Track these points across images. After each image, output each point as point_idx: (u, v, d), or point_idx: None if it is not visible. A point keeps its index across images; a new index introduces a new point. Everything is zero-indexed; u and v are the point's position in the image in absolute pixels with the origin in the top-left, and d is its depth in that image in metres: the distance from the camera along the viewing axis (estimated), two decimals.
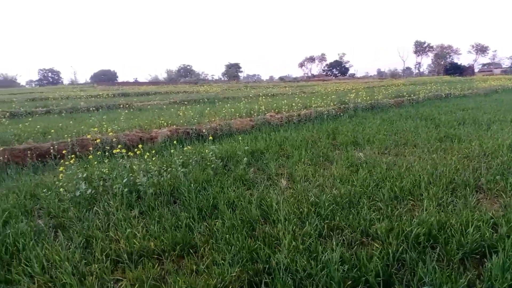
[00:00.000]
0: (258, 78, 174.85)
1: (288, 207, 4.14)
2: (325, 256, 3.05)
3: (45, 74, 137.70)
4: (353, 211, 4.09)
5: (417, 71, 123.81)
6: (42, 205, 4.74)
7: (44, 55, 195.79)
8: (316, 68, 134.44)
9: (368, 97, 16.31)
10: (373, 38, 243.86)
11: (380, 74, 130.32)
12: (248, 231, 3.69)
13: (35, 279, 2.97)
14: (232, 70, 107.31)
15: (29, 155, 7.55)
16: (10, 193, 5.30)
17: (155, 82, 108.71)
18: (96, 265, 3.09)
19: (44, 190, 5.13)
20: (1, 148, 7.44)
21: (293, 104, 13.90)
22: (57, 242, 3.58)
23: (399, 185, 4.82)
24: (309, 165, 6.30)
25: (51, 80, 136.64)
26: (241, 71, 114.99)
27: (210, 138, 7.93)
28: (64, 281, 2.90)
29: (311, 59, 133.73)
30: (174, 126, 10.03)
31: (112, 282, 2.94)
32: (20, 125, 10.08)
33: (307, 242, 3.34)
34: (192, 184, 5.02)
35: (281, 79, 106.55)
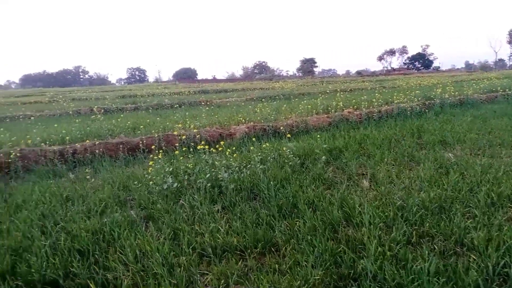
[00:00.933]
0: (334, 72, 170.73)
1: (372, 210, 3.94)
2: (416, 266, 2.84)
3: (133, 72, 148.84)
4: (444, 217, 3.78)
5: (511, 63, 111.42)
6: (134, 196, 5.10)
7: (132, 55, 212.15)
8: (396, 62, 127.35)
9: (456, 92, 15.03)
10: (461, 28, 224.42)
11: (469, 67, 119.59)
12: (330, 233, 3.59)
13: (129, 267, 3.19)
14: (307, 65, 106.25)
15: (121, 148, 8.21)
16: (105, 184, 5.78)
17: (232, 79, 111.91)
18: (184, 258, 3.23)
19: (135, 183, 5.53)
20: (98, 142, 8.17)
21: (373, 99, 13.31)
22: (148, 233, 3.82)
23: (497, 191, 4.36)
24: (393, 165, 5.97)
25: (138, 78, 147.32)
26: (316, 66, 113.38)
27: (288, 135, 7.91)
28: (155, 271, 3.07)
29: (391, 52, 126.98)
30: (252, 122, 10.17)
31: (198, 275, 3.05)
32: (113, 120, 10.94)
33: (395, 249, 3.16)
34: (271, 182, 5.03)
35: (359, 73, 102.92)
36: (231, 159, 6.04)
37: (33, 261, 3.24)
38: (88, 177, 6.11)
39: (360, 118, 11.17)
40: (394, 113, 11.66)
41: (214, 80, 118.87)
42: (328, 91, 22.55)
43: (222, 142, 7.04)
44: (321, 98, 16.59)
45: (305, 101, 14.48)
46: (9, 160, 7.22)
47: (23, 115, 14.77)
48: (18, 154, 7.32)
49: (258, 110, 12.00)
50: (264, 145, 7.00)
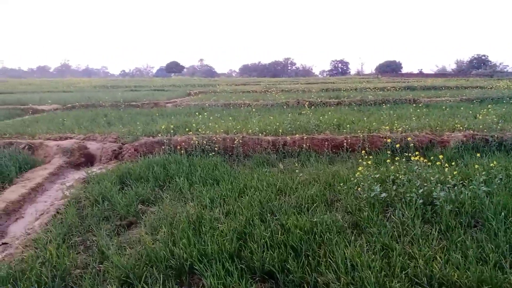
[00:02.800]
0: None
1: None
2: None
3: (336, 65, 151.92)
4: None
5: None
6: (339, 198, 5.18)
7: (337, 47, 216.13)
8: None
9: None
10: None
11: None
12: None
13: (340, 276, 3.21)
14: None
15: (325, 145, 8.50)
16: (312, 180, 6.06)
17: (441, 74, 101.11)
18: (396, 282, 3.04)
19: (341, 184, 5.59)
20: (306, 137, 8.66)
21: None
22: (357, 243, 3.78)
23: None
24: None
25: (340, 70, 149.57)
26: None
27: None
28: None
29: None
30: (470, 130, 8.91)
31: None
32: (320, 117, 11.32)
33: None
34: (500, 211, 4.25)
35: None
36: (447, 174, 5.40)
37: (254, 248, 3.66)
38: (297, 170, 6.55)
39: None
40: None
41: (421, 74, 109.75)
42: None
43: (440, 155, 6.34)
44: None
45: None
46: (233, 145, 8.45)
47: (243, 103, 16.98)
48: (240, 141, 8.47)
49: (480, 116, 10.35)
50: (491, 164, 5.85)
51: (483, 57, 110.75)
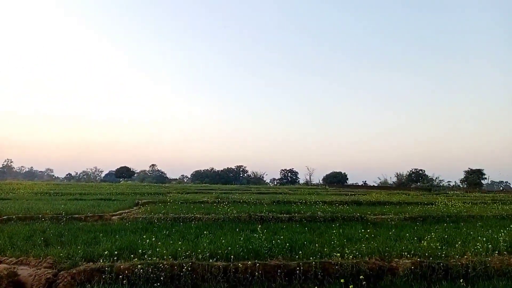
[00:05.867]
0: (507, 186, 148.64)
1: None
2: None
3: (286, 174, 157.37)
4: None
5: None
6: None
7: (286, 157, 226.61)
8: None
9: None
10: None
11: None
12: None
13: None
14: (473, 177, 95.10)
15: (278, 272, 8.23)
16: None
17: (383, 186, 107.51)
18: None
19: None
20: (258, 263, 8.35)
21: None
22: None
23: None
24: None
25: (289, 179, 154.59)
26: (485, 178, 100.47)
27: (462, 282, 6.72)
28: None
29: None
30: (417, 257, 9.15)
31: None
32: (273, 240, 10.87)
33: None
34: None
35: None
36: None
37: None
38: None
39: None
40: None
41: (365, 186, 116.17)
42: (505, 216, 19.26)
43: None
44: (498, 227, 14.22)
45: (478, 228, 12.50)
46: (181, 273, 7.96)
47: (194, 217, 16.60)
48: (189, 268, 8.03)
49: (424, 243, 10.68)
50: None
51: (420, 171, 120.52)
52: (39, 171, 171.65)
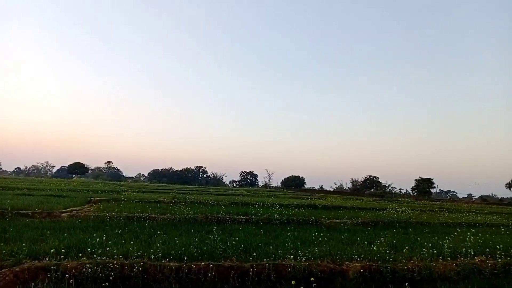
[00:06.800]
0: (454, 195, 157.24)
1: None
2: None
3: (245, 176, 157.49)
4: None
5: None
6: None
7: (246, 160, 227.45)
8: None
9: None
10: None
11: None
12: None
13: None
14: (423, 186, 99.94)
15: (231, 274, 8.21)
16: None
17: (339, 191, 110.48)
18: None
19: None
20: (212, 265, 8.29)
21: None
22: None
23: None
24: None
25: (249, 181, 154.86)
26: (434, 187, 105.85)
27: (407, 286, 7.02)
28: None
29: None
30: (366, 261, 9.45)
31: None
32: (228, 242, 10.87)
33: None
34: None
35: (483, 199, 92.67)
36: None
37: None
38: None
39: (494, 269, 9.61)
40: None
41: (322, 191, 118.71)
42: (450, 224, 20.38)
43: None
44: (450, 239, 15.01)
45: (425, 234, 13.12)
46: (132, 274, 7.73)
47: (148, 216, 16.20)
48: (140, 269, 7.81)
49: (374, 247, 11.06)
50: None
51: (374, 178, 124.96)
52: None
